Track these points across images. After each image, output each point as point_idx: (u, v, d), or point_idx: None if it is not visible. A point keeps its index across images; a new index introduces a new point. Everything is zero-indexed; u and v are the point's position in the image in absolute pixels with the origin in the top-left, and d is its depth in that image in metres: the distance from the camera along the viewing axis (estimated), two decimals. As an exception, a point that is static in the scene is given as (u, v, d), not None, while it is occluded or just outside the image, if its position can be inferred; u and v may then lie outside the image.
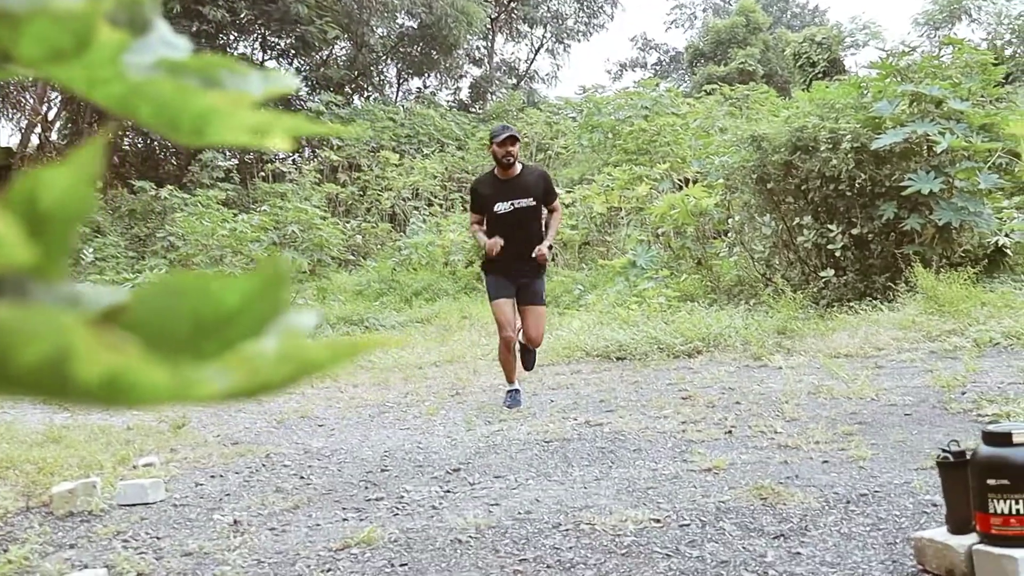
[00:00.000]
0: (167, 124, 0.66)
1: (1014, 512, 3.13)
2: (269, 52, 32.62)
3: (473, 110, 36.22)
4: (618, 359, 9.47)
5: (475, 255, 18.28)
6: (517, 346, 7.73)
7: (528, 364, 8.05)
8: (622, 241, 16.46)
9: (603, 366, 9.21)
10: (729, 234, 13.48)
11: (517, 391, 7.65)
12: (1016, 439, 3.17)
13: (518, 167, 7.56)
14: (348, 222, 22.68)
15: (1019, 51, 25.60)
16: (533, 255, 7.44)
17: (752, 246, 12.83)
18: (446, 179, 25.34)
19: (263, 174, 25.96)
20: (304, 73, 33.59)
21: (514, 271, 7.50)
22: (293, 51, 31.99)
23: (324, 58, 33.84)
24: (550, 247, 7.65)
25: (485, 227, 7.60)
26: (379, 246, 22.15)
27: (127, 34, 0.63)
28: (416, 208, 23.92)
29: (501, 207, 7.43)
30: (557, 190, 7.81)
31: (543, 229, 7.68)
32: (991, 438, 3.23)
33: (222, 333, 0.53)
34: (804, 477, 4.73)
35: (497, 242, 7.34)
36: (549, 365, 9.49)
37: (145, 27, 0.66)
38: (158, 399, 0.46)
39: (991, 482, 3.18)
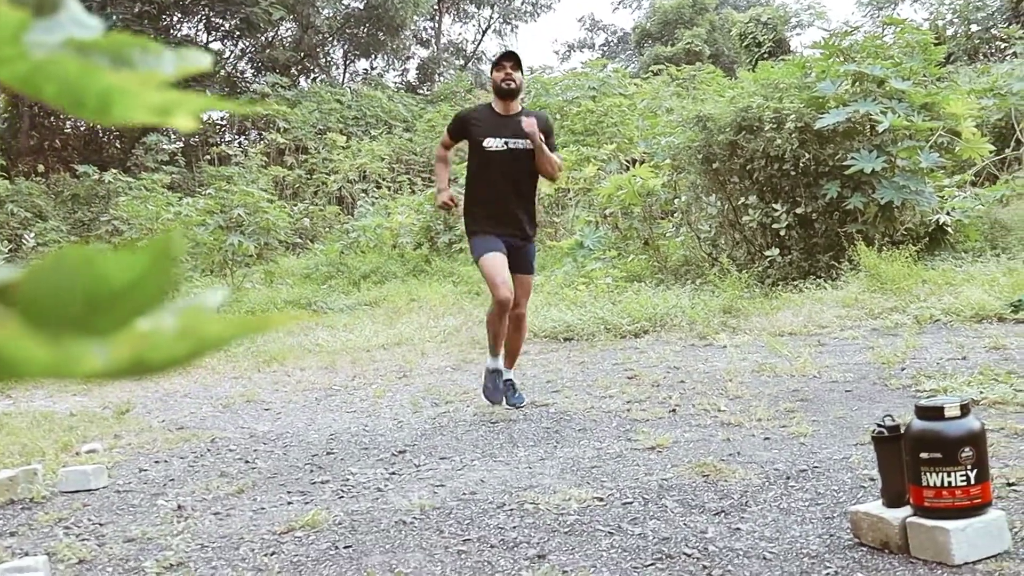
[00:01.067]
0: (72, 102, 0.66)
1: (946, 485, 3.19)
2: (213, 33, 32.35)
3: (421, 92, 36.14)
4: (565, 340, 9.51)
5: (423, 237, 18.22)
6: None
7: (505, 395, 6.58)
8: (570, 222, 16.49)
9: (550, 347, 9.25)
10: (675, 214, 13.56)
11: (500, 372, 6.57)
12: (948, 413, 3.22)
13: (518, 105, 6.46)
14: (295, 205, 22.58)
15: (960, 31, 25.91)
16: (525, 128, 6.20)
17: (698, 226, 12.92)
18: (394, 161, 25.28)
19: (208, 157, 25.76)
20: (249, 54, 33.35)
21: (503, 231, 6.36)
22: (238, 32, 31.74)
23: (270, 39, 33.62)
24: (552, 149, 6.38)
25: (465, 168, 6.49)
26: (327, 229, 22.08)
27: (30, 13, 0.63)
28: (364, 191, 23.84)
29: (492, 143, 6.23)
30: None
31: (536, 189, 6.62)
32: (924, 412, 3.28)
33: (114, 309, 0.54)
34: (746, 454, 4.78)
35: (446, 197, 6.44)
36: (497, 346, 9.50)
37: (54, 7, 0.66)
38: (38, 373, 0.47)
39: (924, 456, 3.24)
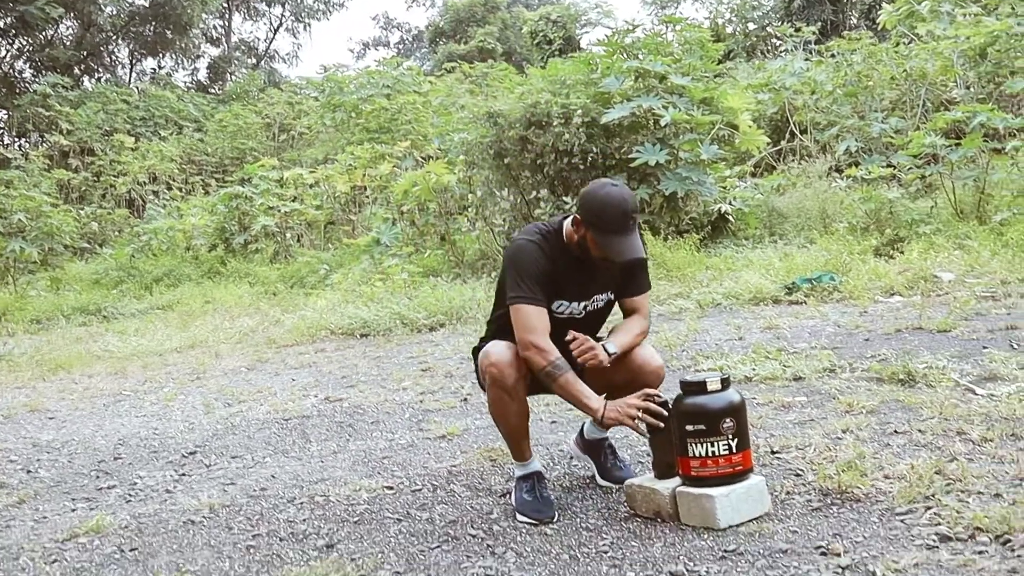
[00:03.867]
0: None
1: (710, 454, 3.38)
2: (-13, 32, 30.81)
3: (212, 91, 35.30)
4: (362, 336, 9.51)
5: (218, 239, 17.84)
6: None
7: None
8: (368, 220, 16.47)
9: (347, 343, 9.23)
10: (470, 209, 13.71)
11: (540, 476, 3.91)
12: (710, 387, 3.41)
13: None
14: (82, 209, 21.80)
15: (738, 29, 27.01)
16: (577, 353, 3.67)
17: (493, 220, 13.10)
18: (185, 162, 24.68)
19: (-15, 161, 24.61)
20: (27, 53, 31.94)
21: None
22: (14, 31, 30.32)
23: (49, 38, 32.25)
24: (612, 353, 3.72)
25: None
26: (117, 233, 21.41)
27: None
28: (155, 193, 23.20)
29: (566, 308, 3.88)
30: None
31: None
32: (688, 387, 3.47)
33: None
34: (534, 437, 4.90)
35: (600, 355, 3.67)
36: (292, 345, 9.44)
37: None
38: None
39: (689, 428, 3.42)
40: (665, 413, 3.52)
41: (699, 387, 3.43)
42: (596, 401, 3.64)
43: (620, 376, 3.75)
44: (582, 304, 3.89)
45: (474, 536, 3.59)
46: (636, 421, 3.55)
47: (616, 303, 4.02)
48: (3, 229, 16.35)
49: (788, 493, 3.64)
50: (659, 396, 3.58)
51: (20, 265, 16.80)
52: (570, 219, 3.83)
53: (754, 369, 5.80)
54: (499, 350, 3.75)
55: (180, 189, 23.36)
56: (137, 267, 17.31)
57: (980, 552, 2.93)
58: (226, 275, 16.02)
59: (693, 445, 3.41)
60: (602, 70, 12.25)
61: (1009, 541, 2.97)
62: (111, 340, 11.15)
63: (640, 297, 3.98)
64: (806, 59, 17.68)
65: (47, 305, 14.81)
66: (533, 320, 3.71)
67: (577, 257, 3.83)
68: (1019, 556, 2.86)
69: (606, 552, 3.29)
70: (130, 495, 4.69)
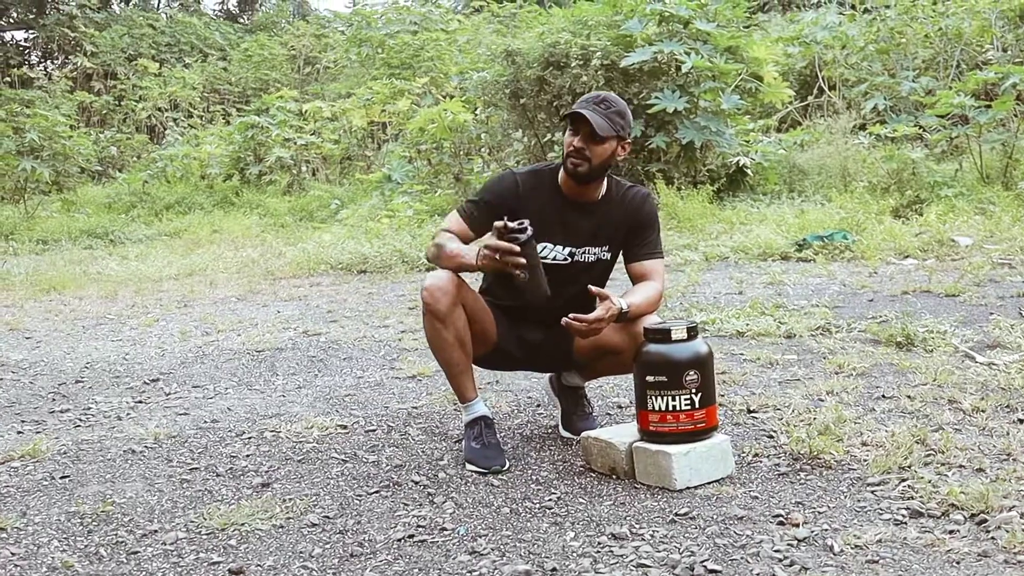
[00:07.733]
0: None
1: (670, 408, 3.13)
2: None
3: (240, 20, 34.88)
4: (360, 272, 9.28)
5: (233, 168, 17.58)
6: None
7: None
8: (384, 156, 16.19)
9: (343, 279, 9.00)
10: (484, 150, 13.41)
11: (486, 420, 3.63)
12: (675, 335, 3.15)
13: (602, 187, 3.66)
14: (102, 132, 21.60)
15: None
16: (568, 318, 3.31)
17: (506, 162, 12.81)
18: (208, 91, 24.39)
19: (8, 80, 24.40)
20: (56, -27, 31.63)
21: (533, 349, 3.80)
22: (43, -51, 29.98)
23: (78, -42, 31.88)
24: (620, 312, 3.32)
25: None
26: (135, 158, 21.21)
27: None
28: (175, 120, 22.95)
29: (551, 251, 3.62)
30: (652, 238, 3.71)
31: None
32: (651, 335, 3.21)
33: None
34: (504, 383, 4.69)
35: (492, 248, 3.32)
36: (289, 278, 9.22)
37: None
38: None
39: (650, 379, 3.17)
40: (517, 249, 3.25)
41: (663, 335, 3.17)
42: (470, 255, 3.45)
43: (618, 339, 3.46)
44: (567, 250, 3.63)
45: (417, 483, 3.36)
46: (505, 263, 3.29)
47: (621, 266, 3.75)
48: (17, 148, 16.12)
49: (756, 455, 3.39)
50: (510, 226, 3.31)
51: (32, 185, 16.60)
52: None
53: (747, 324, 5.54)
54: (434, 276, 3.56)
55: (201, 117, 23.11)
56: (149, 193, 17.13)
57: (951, 531, 2.68)
58: (238, 205, 15.81)
59: (653, 397, 3.15)
60: (625, 12, 11.88)
61: (985, 521, 2.71)
62: (110, 263, 10.97)
63: (651, 262, 3.64)
64: (839, 13, 17.15)
65: (55, 226, 14.64)
66: (447, 223, 3.67)
67: (568, 199, 3.63)
68: (993, 538, 2.60)
69: (550, 508, 3.06)
70: (80, 420, 4.49)
